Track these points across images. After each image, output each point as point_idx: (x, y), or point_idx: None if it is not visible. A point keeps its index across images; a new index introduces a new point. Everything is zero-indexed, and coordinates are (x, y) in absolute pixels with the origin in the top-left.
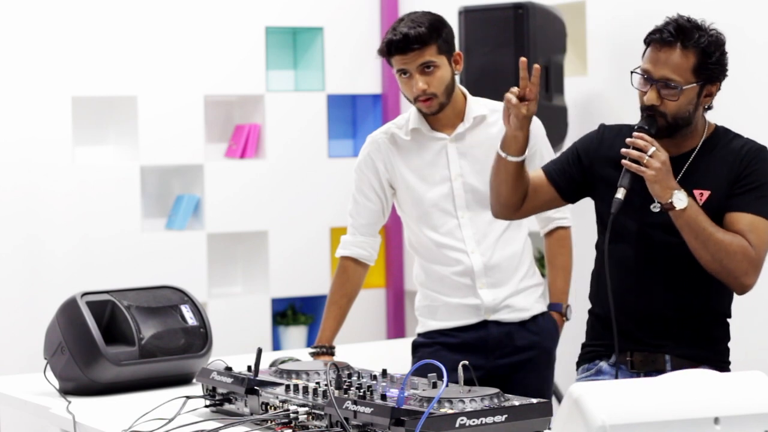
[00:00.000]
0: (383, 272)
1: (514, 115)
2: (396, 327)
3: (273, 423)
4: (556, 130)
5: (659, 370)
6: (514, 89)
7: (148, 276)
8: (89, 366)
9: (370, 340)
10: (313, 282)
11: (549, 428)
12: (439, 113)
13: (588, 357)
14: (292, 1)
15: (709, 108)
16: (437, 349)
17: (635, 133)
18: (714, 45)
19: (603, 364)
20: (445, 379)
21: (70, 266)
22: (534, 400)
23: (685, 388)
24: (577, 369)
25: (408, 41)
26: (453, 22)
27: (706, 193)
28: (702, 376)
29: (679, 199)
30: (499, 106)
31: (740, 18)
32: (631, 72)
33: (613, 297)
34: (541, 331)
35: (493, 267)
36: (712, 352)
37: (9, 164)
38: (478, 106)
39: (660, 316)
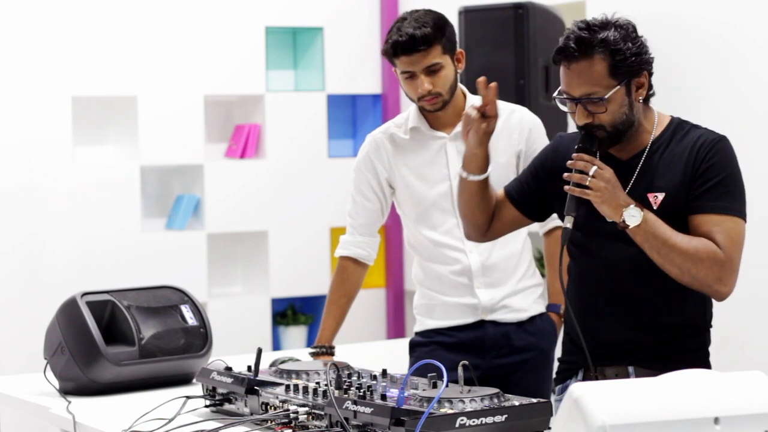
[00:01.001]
0: (383, 272)
1: (475, 131)
2: (396, 327)
3: (273, 423)
4: (556, 130)
5: None
6: (476, 105)
7: (148, 276)
8: (89, 366)
9: (370, 340)
10: (313, 282)
11: (549, 428)
12: (441, 111)
13: (561, 376)
14: (292, 1)
15: (650, 96)
16: (434, 349)
17: (574, 155)
18: (622, 40)
19: (572, 383)
20: (445, 379)
21: (70, 266)
22: (534, 400)
23: (685, 388)
24: (554, 387)
25: (414, 43)
26: (453, 22)
27: (661, 196)
28: (702, 376)
29: (632, 216)
30: (500, 105)
31: (740, 18)
32: (554, 97)
33: (580, 315)
34: (539, 332)
35: (491, 266)
36: (681, 363)
37: (9, 164)
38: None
39: (619, 330)
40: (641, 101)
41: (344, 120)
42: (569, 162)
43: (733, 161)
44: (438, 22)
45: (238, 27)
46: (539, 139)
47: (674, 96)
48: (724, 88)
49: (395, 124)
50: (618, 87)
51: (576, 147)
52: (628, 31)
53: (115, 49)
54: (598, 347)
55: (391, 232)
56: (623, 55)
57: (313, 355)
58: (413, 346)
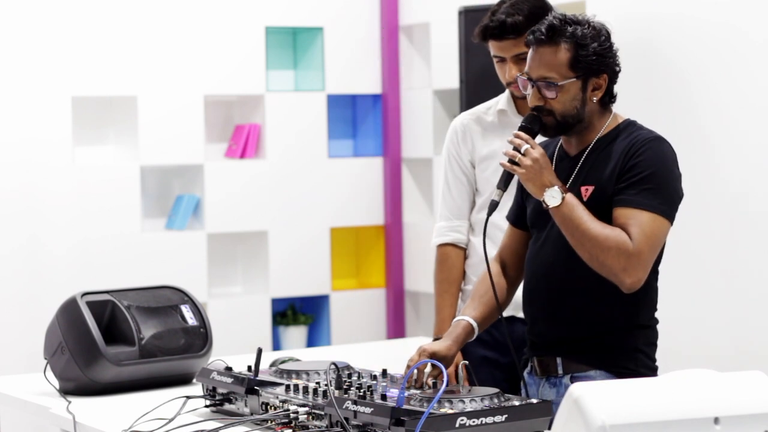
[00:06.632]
0: (383, 272)
1: None
2: (396, 327)
3: (273, 423)
4: None
5: (554, 375)
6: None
7: (148, 276)
8: (89, 366)
9: (370, 340)
10: (313, 282)
11: (549, 428)
12: None
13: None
14: (292, 1)
15: (610, 101)
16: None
17: (514, 132)
18: (590, 37)
19: (525, 375)
20: (445, 379)
21: (70, 266)
22: (534, 400)
23: (685, 388)
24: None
25: (504, 30)
26: (453, 22)
27: (591, 188)
28: (702, 376)
29: (552, 197)
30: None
31: (740, 18)
32: (517, 76)
33: (527, 303)
34: None
35: None
36: (610, 357)
37: (9, 164)
38: None
39: (547, 320)
40: (596, 102)
41: (344, 120)
42: (508, 139)
43: (662, 161)
44: (535, 10)
45: (238, 27)
46: None
47: (674, 96)
48: (724, 88)
49: (485, 106)
50: (574, 79)
51: (519, 126)
52: (599, 32)
53: (115, 49)
54: (533, 336)
55: (392, 232)
56: (586, 51)
57: None
58: None
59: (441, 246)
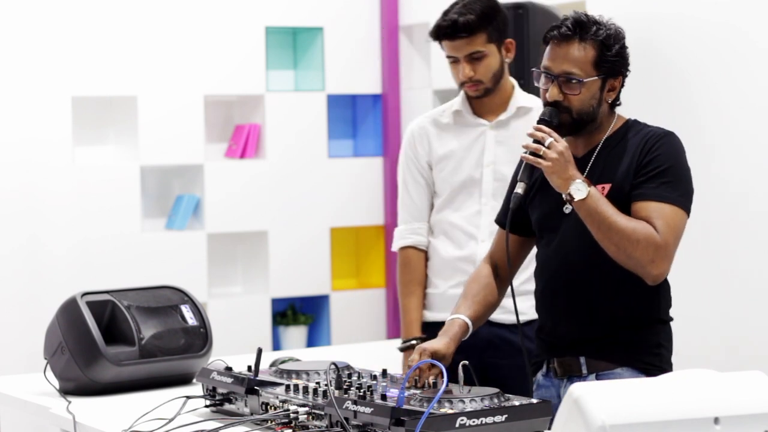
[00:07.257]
0: (383, 272)
1: None
2: (396, 327)
3: (273, 423)
4: None
5: (578, 375)
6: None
7: (148, 276)
8: (89, 366)
9: (370, 340)
10: (313, 282)
11: (549, 428)
12: (485, 98)
13: (532, 369)
14: (292, 1)
15: (617, 103)
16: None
17: (534, 125)
18: (613, 38)
19: (538, 377)
20: (445, 379)
21: (70, 266)
22: (534, 400)
23: (685, 388)
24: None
25: (456, 29)
26: None
27: (607, 186)
28: (702, 376)
29: (578, 190)
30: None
31: (740, 19)
32: (533, 70)
33: (541, 306)
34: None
35: None
36: (635, 354)
37: (9, 164)
38: (524, 98)
39: (570, 320)
40: (608, 103)
41: (344, 120)
42: (528, 132)
43: (677, 154)
44: (486, 10)
45: (238, 27)
46: None
47: (674, 96)
48: (724, 88)
49: (441, 109)
50: (596, 78)
51: (538, 119)
52: (619, 35)
53: (115, 49)
54: (553, 338)
55: (391, 231)
56: (610, 51)
57: (405, 350)
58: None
59: (402, 249)
